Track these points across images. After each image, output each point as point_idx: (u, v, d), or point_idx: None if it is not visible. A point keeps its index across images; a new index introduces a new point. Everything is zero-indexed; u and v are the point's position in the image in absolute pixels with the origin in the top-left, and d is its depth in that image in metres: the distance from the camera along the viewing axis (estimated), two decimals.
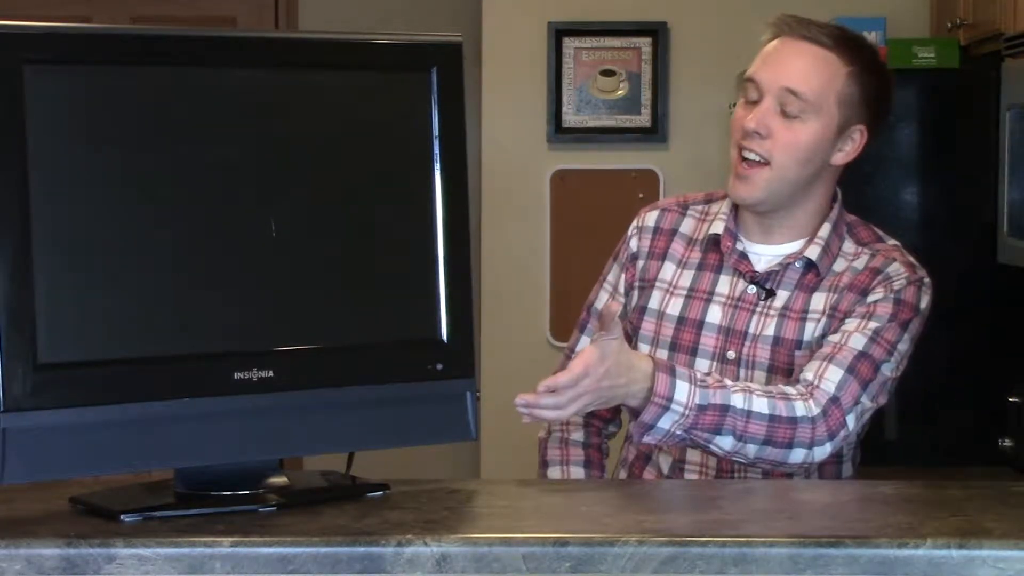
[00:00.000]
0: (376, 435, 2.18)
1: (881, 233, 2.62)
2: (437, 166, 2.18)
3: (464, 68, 2.21)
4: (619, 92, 5.30)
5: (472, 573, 1.89)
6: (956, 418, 4.26)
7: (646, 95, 5.29)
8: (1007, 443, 3.69)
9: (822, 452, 2.40)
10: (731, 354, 2.53)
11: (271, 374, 2.06)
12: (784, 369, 2.51)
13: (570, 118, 5.30)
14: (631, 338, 2.62)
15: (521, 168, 5.31)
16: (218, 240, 2.06)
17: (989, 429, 3.88)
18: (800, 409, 2.37)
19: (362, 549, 1.89)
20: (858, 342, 2.44)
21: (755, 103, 2.51)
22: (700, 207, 2.66)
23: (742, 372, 2.52)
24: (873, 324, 2.47)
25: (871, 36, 4.45)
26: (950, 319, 4.16)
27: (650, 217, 2.67)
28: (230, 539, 1.90)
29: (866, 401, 2.44)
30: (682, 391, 2.32)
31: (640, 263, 2.65)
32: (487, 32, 5.31)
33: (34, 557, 1.88)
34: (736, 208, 2.60)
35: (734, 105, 2.62)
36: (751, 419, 2.34)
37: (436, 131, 2.18)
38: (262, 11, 5.87)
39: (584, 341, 2.70)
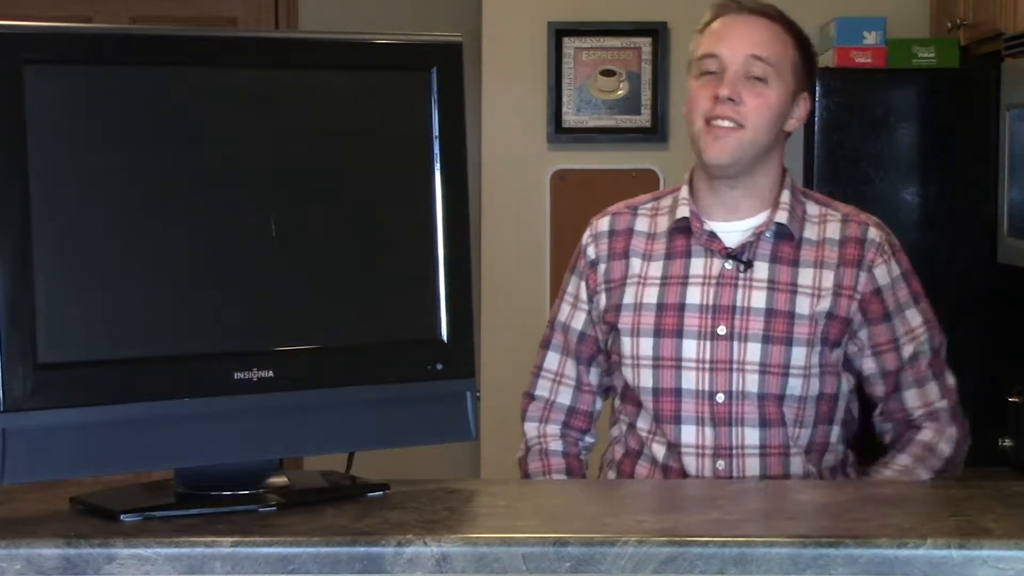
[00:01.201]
0: (376, 435, 2.18)
1: (827, 197, 2.74)
2: (437, 166, 2.18)
3: (464, 68, 2.21)
4: (619, 92, 5.30)
5: (472, 573, 1.88)
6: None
7: (646, 95, 5.28)
8: (1007, 443, 3.68)
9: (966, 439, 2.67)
10: (722, 330, 2.57)
11: (271, 374, 2.06)
12: (781, 338, 2.55)
13: (570, 118, 5.30)
14: (602, 346, 2.69)
15: (521, 168, 5.31)
16: (218, 240, 2.06)
17: (989, 429, 3.88)
18: (946, 450, 2.62)
19: (362, 549, 1.89)
20: (925, 343, 2.64)
21: (712, 78, 2.58)
22: (649, 205, 2.72)
23: (735, 345, 2.56)
24: (915, 317, 2.63)
25: (871, 36, 4.46)
26: (950, 319, 4.16)
27: (602, 223, 2.72)
28: (230, 539, 1.90)
29: (950, 378, 2.67)
30: None
31: (601, 267, 2.68)
32: (487, 32, 5.31)
33: (34, 557, 1.88)
34: (693, 193, 2.65)
35: None
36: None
37: (436, 131, 2.18)
38: (262, 11, 5.86)
39: (552, 357, 2.75)
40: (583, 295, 2.70)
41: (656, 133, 5.28)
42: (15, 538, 1.89)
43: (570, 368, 2.72)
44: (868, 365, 2.62)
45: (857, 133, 4.23)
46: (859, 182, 4.17)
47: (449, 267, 2.18)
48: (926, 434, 2.61)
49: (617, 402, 2.70)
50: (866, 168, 4.20)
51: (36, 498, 2.09)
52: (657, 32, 5.25)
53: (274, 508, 2.05)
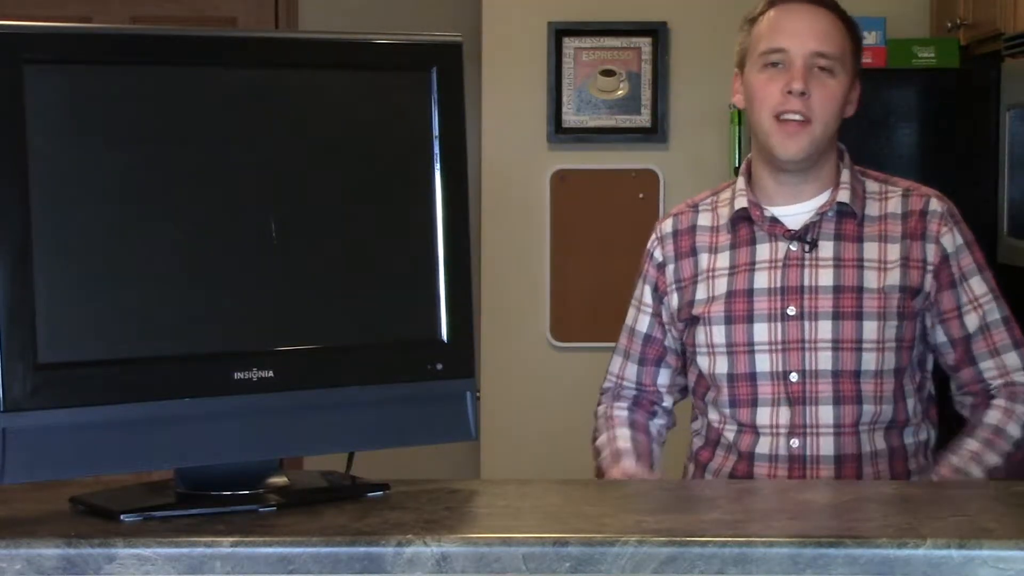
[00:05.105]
0: (376, 435, 2.18)
1: (885, 175, 2.73)
2: (437, 166, 2.18)
3: (464, 68, 2.22)
4: (619, 92, 5.30)
5: (472, 573, 1.88)
6: (956, 418, 4.25)
7: (646, 95, 5.28)
8: None
9: None
10: (791, 310, 2.59)
11: (271, 374, 2.06)
12: (852, 314, 2.57)
13: (570, 118, 5.30)
14: (671, 346, 2.72)
15: (521, 168, 5.31)
16: (218, 240, 2.06)
17: None
18: (1016, 432, 2.59)
19: (362, 549, 1.89)
20: (993, 312, 2.62)
21: (778, 71, 2.59)
22: (708, 200, 2.74)
23: (806, 324, 2.58)
24: (979, 286, 2.62)
25: (871, 36, 4.46)
26: None
27: (666, 225, 2.74)
28: (230, 539, 1.90)
29: None
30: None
31: (670, 268, 2.70)
32: (487, 32, 5.31)
33: (34, 557, 1.88)
34: (751, 183, 2.67)
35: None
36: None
37: (436, 131, 2.18)
38: (262, 11, 5.87)
39: (616, 361, 2.78)
40: (647, 298, 2.73)
41: (656, 133, 5.28)
42: (15, 538, 1.89)
43: (630, 371, 2.76)
44: (937, 334, 2.63)
45: (857, 133, 4.22)
46: None
47: (449, 267, 2.18)
48: (994, 415, 2.60)
49: (691, 397, 2.73)
50: (866, 168, 4.20)
51: (36, 498, 2.08)
52: (657, 32, 5.25)
53: (274, 508, 2.05)
